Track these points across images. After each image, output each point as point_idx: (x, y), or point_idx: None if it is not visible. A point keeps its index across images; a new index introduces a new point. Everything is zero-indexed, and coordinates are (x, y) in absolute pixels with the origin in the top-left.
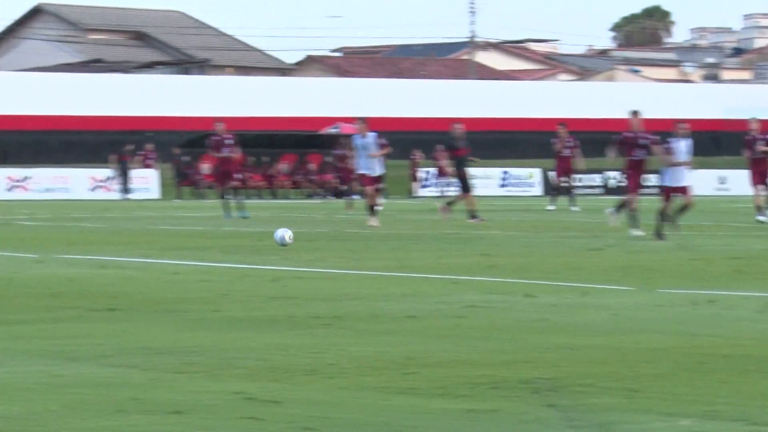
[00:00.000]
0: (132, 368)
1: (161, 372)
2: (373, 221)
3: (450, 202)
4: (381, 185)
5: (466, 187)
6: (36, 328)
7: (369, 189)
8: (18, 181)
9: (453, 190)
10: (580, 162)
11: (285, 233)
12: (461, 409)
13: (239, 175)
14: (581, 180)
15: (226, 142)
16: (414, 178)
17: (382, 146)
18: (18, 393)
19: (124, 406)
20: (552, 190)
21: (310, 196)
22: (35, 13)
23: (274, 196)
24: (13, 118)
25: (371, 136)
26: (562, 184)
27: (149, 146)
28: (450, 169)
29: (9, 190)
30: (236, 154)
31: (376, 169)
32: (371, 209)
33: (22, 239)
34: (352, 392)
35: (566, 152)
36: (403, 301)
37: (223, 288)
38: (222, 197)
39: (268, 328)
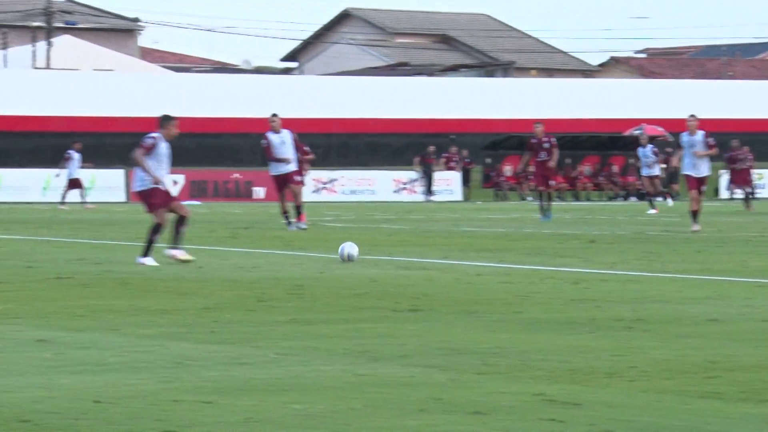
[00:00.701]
0: (433, 368)
1: (461, 372)
2: (696, 226)
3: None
4: (704, 188)
5: None
6: (340, 327)
7: (693, 192)
8: (325, 183)
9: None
10: None
11: (351, 250)
12: (765, 414)
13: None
14: None
15: (544, 145)
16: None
17: (710, 146)
18: (322, 391)
19: (426, 406)
20: None
21: (612, 198)
22: (343, 17)
23: (577, 198)
24: (319, 122)
25: (700, 135)
26: None
27: (453, 149)
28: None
29: (316, 192)
30: (553, 156)
31: (702, 169)
32: (694, 214)
33: (328, 240)
34: (652, 395)
35: None
36: (705, 304)
37: (524, 290)
38: (540, 199)
39: (569, 330)
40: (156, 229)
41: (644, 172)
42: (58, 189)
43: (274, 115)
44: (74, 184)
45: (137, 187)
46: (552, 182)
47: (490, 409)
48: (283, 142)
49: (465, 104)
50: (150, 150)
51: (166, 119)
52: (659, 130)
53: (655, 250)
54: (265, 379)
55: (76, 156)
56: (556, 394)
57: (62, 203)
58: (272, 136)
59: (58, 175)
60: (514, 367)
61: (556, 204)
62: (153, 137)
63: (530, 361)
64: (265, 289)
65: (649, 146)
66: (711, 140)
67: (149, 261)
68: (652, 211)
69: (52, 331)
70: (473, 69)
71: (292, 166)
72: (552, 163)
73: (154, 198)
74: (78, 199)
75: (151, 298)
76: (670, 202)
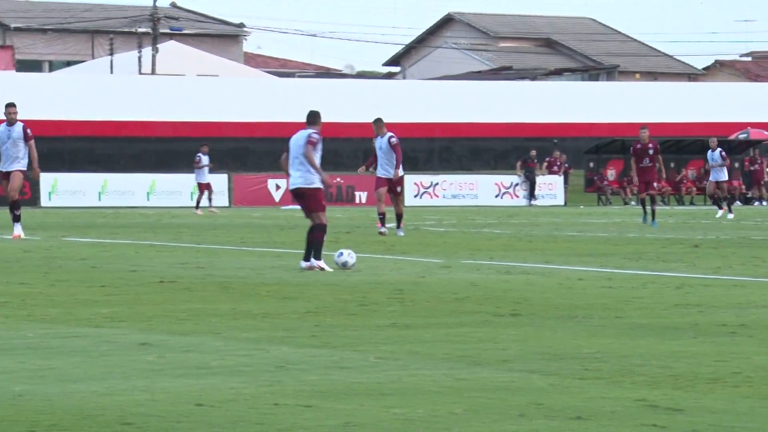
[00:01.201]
0: (533, 373)
1: (562, 377)
2: None
3: None
4: None
5: None
6: (441, 332)
7: None
8: (426, 187)
9: None
10: None
11: (348, 258)
12: None
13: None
14: None
15: (649, 151)
16: None
17: None
18: (423, 396)
19: (526, 411)
20: None
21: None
22: (447, 22)
23: (681, 202)
24: (422, 126)
25: None
26: None
27: (555, 152)
28: None
29: (417, 196)
30: (657, 162)
31: None
32: None
33: (429, 245)
34: (756, 401)
35: None
36: None
37: (626, 294)
38: (642, 204)
39: (671, 335)
40: (324, 229)
41: (712, 176)
42: (163, 194)
43: (378, 120)
44: (204, 187)
45: (301, 184)
46: (655, 184)
47: (591, 415)
48: (380, 147)
49: (568, 108)
50: (316, 145)
51: (317, 115)
52: (765, 134)
53: (759, 255)
54: (366, 383)
55: (204, 159)
56: (658, 400)
57: (197, 207)
58: (378, 141)
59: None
60: (615, 372)
61: (659, 208)
62: (318, 133)
63: (632, 366)
64: (366, 294)
65: (718, 150)
66: None
67: (324, 265)
68: (730, 216)
69: (154, 335)
70: (576, 73)
71: (397, 172)
72: (656, 169)
73: (323, 198)
74: (204, 203)
75: (252, 302)
76: (720, 212)
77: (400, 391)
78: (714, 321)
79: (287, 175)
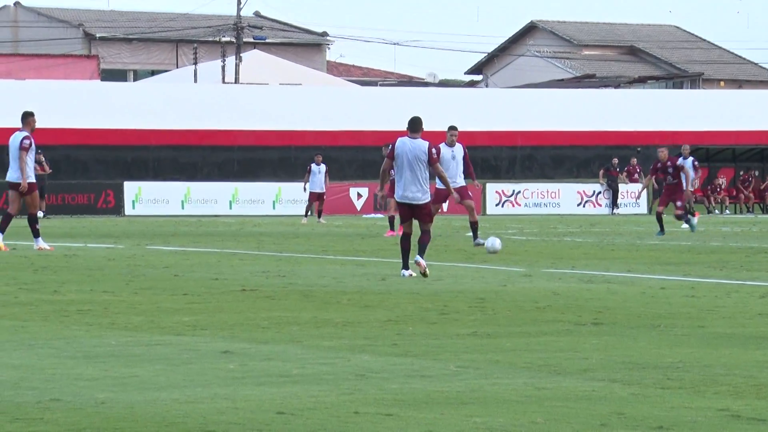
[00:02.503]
0: (615, 382)
1: (644, 387)
2: None
3: None
4: None
5: None
6: (522, 341)
7: None
8: (508, 196)
9: None
10: None
11: (495, 242)
12: None
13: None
14: None
15: (669, 169)
16: None
17: None
18: (503, 405)
19: (608, 421)
20: None
21: None
22: (530, 30)
23: (765, 211)
24: (503, 134)
25: None
26: None
27: (633, 160)
28: None
29: (499, 204)
30: (681, 179)
31: None
32: None
33: (511, 253)
34: None
35: None
36: None
37: (710, 304)
38: (658, 218)
39: (755, 344)
40: (431, 236)
41: None
42: (245, 202)
43: (453, 128)
44: (315, 197)
45: (419, 200)
46: (678, 203)
47: (673, 424)
48: (453, 157)
49: (652, 116)
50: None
51: (420, 122)
52: None
53: None
54: (446, 392)
55: (317, 169)
56: (741, 410)
57: (306, 215)
58: (444, 149)
59: (305, 190)
60: (697, 381)
61: (742, 217)
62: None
63: (714, 376)
64: (448, 302)
65: None
66: None
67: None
68: None
69: (236, 343)
70: (660, 81)
71: (460, 182)
72: (684, 185)
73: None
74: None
75: (334, 310)
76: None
77: (480, 400)
78: None
79: (386, 183)
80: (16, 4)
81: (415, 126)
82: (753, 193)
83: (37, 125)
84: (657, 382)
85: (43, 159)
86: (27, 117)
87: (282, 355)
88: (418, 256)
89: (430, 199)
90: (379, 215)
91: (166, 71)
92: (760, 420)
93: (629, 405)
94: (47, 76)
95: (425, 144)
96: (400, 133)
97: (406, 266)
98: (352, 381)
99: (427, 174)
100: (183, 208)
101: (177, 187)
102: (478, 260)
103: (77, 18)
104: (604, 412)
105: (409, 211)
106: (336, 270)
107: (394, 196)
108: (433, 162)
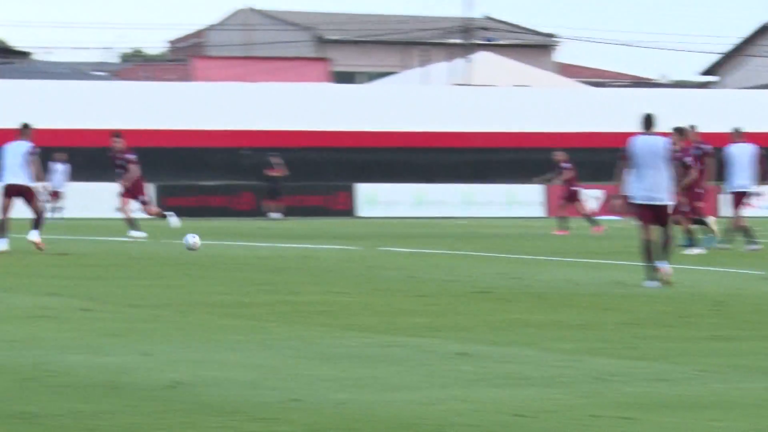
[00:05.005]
0: None
1: None
2: None
3: None
4: None
5: None
6: (762, 345)
7: None
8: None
9: None
10: None
11: (192, 239)
12: None
13: None
14: None
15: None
16: None
17: None
18: (744, 409)
19: None
20: None
21: None
22: (764, 30)
23: None
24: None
25: None
26: None
27: None
28: None
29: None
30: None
31: None
32: None
33: (749, 257)
34: None
35: None
36: None
37: None
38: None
39: None
40: (672, 239)
41: None
42: (478, 204)
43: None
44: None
45: (663, 200)
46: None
47: None
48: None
49: None
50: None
51: (653, 119)
52: None
53: None
54: (686, 396)
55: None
56: None
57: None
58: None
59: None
60: None
61: None
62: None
63: None
64: (685, 305)
65: None
66: None
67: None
68: None
69: (472, 345)
70: None
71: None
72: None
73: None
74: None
75: (569, 312)
76: None
77: (721, 405)
78: None
79: (620, 184)
80: (249, 8)
81: (648, 123)
82: None
83: (269, 127)
84: None
85: (280, 161)
86: (28, 128)
87: (518, 357)
88: (661, 262)
89: (669, 201)
90: (617, 217)
91: (394, 73)
92: None
93: None
94: (279, 79)
95: (662, 140)
96: (633, 135)
97: (650, 276)
98: (589, 384)
99: (668, 173)
100: (415, 209)
101: (409, 188)
102: (716, 263)
103: (309, 21)
104: None
105: (653, 213)
106: (569, 272)
107: (633, 197)
108: (669, 158)
